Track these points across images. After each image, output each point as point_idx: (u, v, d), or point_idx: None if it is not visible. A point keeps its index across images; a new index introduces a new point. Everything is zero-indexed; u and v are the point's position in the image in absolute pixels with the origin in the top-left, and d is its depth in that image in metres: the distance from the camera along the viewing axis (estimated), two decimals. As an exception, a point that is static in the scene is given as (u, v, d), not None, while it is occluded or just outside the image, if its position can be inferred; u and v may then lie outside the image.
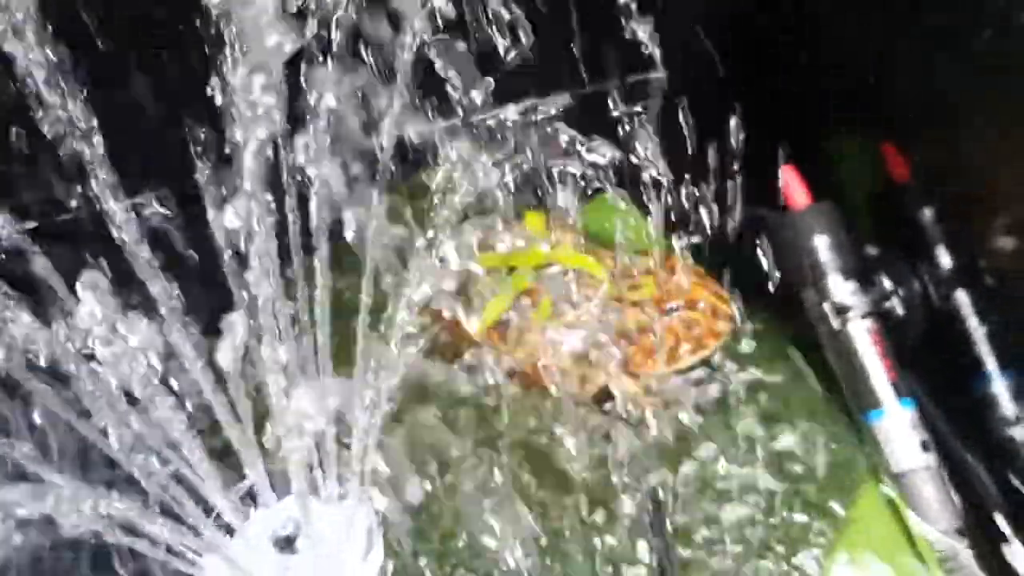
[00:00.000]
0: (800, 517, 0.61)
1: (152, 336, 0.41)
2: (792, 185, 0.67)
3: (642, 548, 0.60)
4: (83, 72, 0.45)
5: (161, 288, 0.46)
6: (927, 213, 0.65)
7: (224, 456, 0.52)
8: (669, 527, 0.61)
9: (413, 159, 0.75)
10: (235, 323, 0.39)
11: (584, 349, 0.67)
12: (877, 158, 0.68)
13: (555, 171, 0.73)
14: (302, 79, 0.46)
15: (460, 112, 0.78)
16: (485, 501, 0.62)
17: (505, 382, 0.66)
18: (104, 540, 0.45)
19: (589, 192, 0.80)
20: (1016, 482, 0.60)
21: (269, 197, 0.43)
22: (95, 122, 0.46)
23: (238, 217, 0.41)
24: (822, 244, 0.66)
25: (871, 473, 0.64)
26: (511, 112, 0.80)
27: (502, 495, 0.62)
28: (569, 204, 0.74)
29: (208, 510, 0.50)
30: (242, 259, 0.42)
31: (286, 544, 0.52)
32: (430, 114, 0.71)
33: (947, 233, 0.65)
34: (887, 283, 0.65)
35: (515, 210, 0.73)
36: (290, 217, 0.46)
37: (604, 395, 0.67)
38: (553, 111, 0.80)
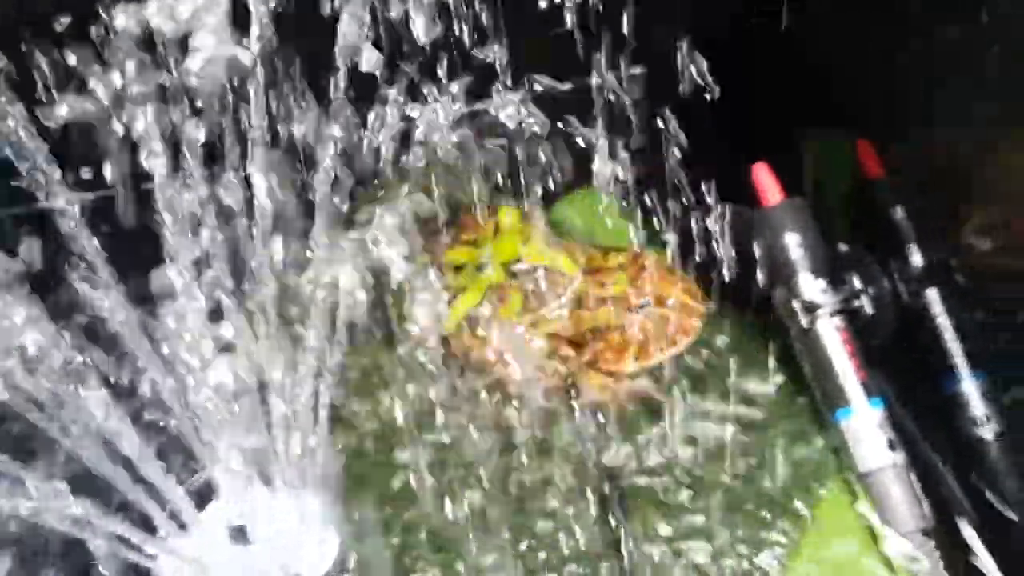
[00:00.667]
0: (764, 516, 0.61)
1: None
2: (764, 181, 0.67)
3: (607, 542, 0.60)
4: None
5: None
6: (900, 210, 0.65)
7: (180, 448, 0.52)
8: (631, 525, 0.61)
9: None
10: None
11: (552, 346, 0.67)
12: (851, 155, 0.68)
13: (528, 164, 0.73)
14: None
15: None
16: (449, 495, 0.62)
17: (470, 376, 0.67)
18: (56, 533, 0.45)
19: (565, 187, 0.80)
20: (980, 484, 0.60)
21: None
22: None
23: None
24: (792, 241, 0.65)
25: (838, 473, 0.63)
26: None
27: (464, 489, 0.62)
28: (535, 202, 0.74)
29: (163, 502, 0.50)
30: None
31: (241, 535, 0.52)
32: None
33: (920, 230, 0.64)
34: (857, 281, 0.65)
35: (488, 204, 0.74)
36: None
37: (573, 392, 0.67)
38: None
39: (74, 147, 0.45)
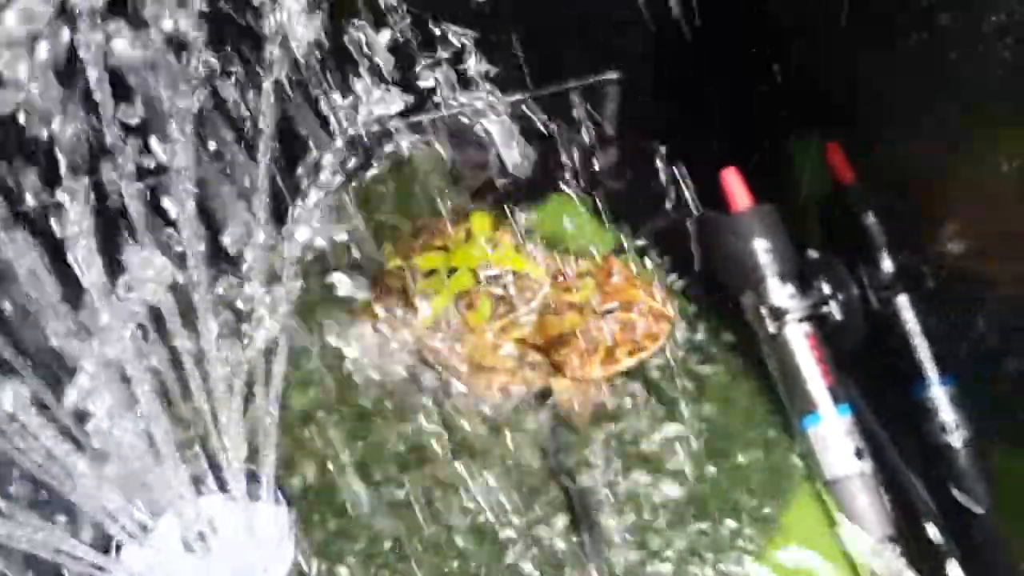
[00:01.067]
0: (731, 523, 0.61)
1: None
2: (733, 187, 0.66)
3: (570, 549, 0.60)
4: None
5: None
6: (871, 216, 0.64)
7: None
8: (600, 529, 0.60)
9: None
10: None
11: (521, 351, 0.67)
12: (824, 161, 0.67)
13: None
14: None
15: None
16: (416, 504, 0.62)
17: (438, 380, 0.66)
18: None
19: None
20: (952, 488, 0.59)
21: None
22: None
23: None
24: (761, 247, 0.65)
25: (806, 480, 0.63)
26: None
27: (431, 497, 0.62)
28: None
29: (114, 513, 0.50)
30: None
31: (195, 546, 0.51)
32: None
33: (891, 236, 0.64)
34: (826, 287, 0.64)
35: (460, 210, 0.74)
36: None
37: (540, 397, 0.67)
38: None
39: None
